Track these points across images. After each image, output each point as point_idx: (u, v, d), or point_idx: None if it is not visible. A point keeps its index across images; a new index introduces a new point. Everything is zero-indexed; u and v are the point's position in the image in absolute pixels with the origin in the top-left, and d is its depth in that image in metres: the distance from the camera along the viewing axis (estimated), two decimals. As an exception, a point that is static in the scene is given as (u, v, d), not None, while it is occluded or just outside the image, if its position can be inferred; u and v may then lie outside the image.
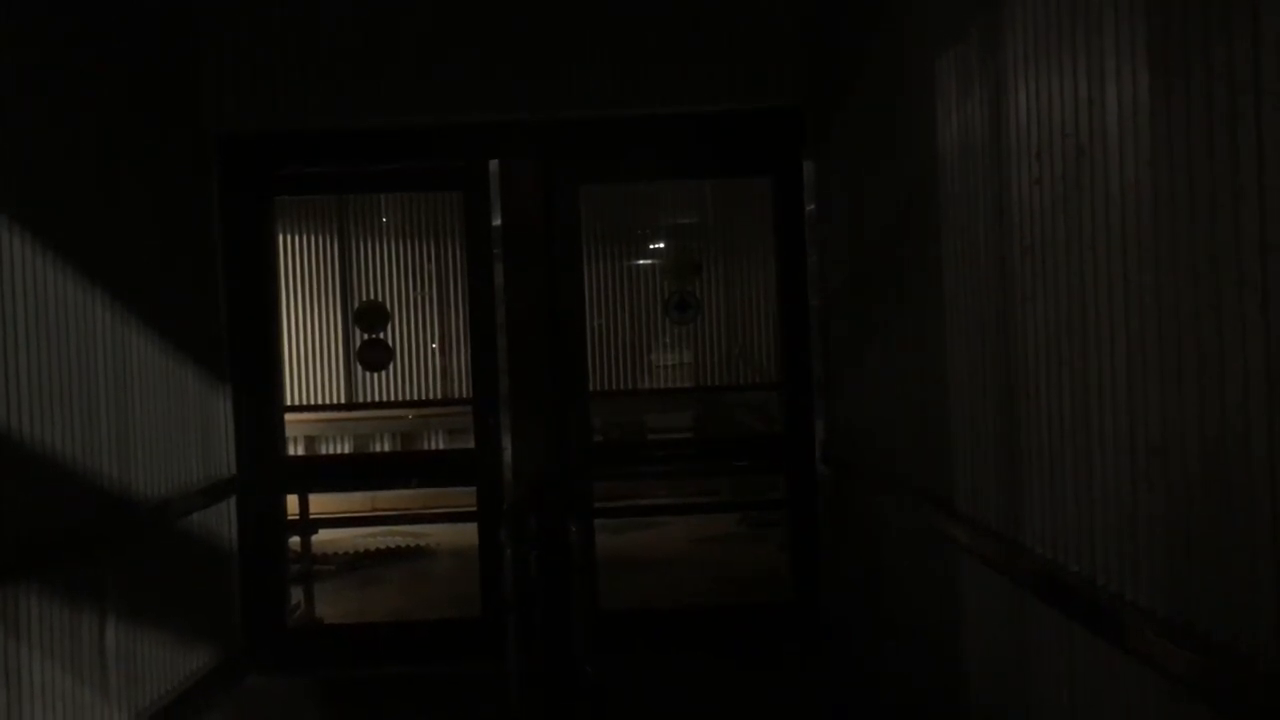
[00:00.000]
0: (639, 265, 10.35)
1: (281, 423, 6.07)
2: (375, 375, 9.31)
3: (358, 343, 6.49)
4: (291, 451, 7.73)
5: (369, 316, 6.74)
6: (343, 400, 10.40)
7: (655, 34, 5.73)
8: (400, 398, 10.40)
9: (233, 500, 5.65)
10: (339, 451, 10.03)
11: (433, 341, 10.58)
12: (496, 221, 5.73)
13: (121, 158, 4.71)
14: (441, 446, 9.98)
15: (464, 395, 7.83)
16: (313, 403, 10.18)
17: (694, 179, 8.76)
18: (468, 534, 6.17)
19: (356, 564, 8.34)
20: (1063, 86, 2.73)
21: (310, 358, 10.34)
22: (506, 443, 5.61)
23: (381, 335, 6.51)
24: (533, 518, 5.03)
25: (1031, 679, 3.11)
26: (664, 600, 6.90)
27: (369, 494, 8.89)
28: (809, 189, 5.77)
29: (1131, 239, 2.43)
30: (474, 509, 5.94)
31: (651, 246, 10.58)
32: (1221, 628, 2.15)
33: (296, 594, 6.41)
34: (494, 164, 5.76)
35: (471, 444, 5.98)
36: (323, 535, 7.65)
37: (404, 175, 6.34)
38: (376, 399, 10.33)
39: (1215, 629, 2.17)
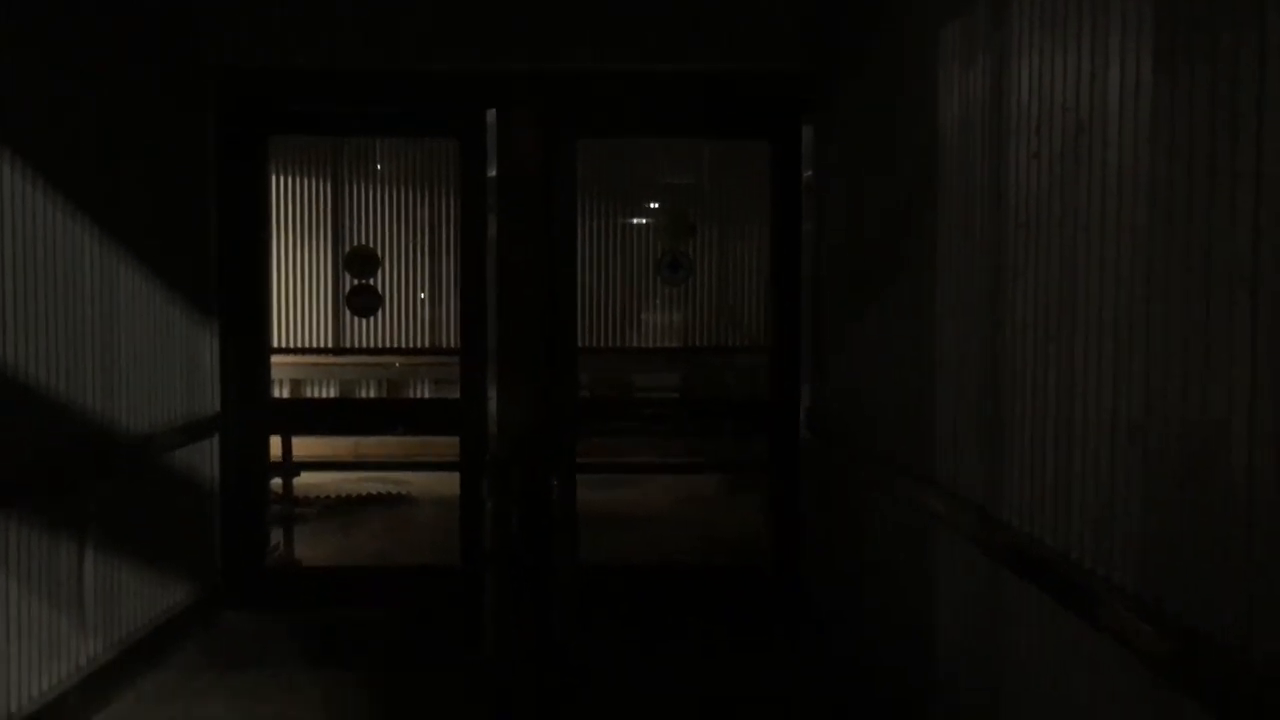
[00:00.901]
0: (633, 224, 10.33)
1: (267, 364, 6.06)
2: (364, 321, 9.31)
3: (347, 288, 6.47)
4: (277, 394, 7.73)
5: (359, 262, 6.72)
6: (330, 345, 10.40)
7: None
8: (388, 345, 10.40)
9: (215, 439, 5.65)
10: (324, 396, 10.03)
11: (421, 291, 10.56)
12: (492, 172, 5.69)
13: (115, 89, 4.66)
14: (427, 396, 9.99)
15: (452, 345, 7.82)
16: (300, 346, 10.17)
17: (692, 138, 8.72)
18: (450, 483, 6.18)
19: (337, 508, 8.37)
20: (1066, 62, 2.72)
21: (299, 301, 10.31)
22: (492, 394, 5.61)
23: (371, 281, 6.48)
24: (515, 471, 5.05)
25: (1001, 650, 3.15)
26: (644, 557, 6.94)
27: (353, 440, 8.91)
28: (807, 155, 5.75)
29: (1126, 218, 2.43)
30: (457, 459, 5.95)
31: (647, 205, 10.55)
32: (1192, 607, 2.17)
33: (276, 535, 6.43)
34: (491, 113, 5.71)
35: (457, 394, 5.98)
36: (305, 478, 7.66)
37: (400, 120, 6.29)
38: (364, 345, 10.34)
39: (1186, 608, 2.19)
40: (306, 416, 6.80)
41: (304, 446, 7.30)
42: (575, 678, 4.89)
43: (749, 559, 6.66)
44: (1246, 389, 1.98)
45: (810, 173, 5.71)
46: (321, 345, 10.34)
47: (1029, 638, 2.95)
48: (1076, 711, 2.67)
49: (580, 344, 6.46)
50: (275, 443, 6.50)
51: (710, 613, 5.80)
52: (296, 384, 9.89)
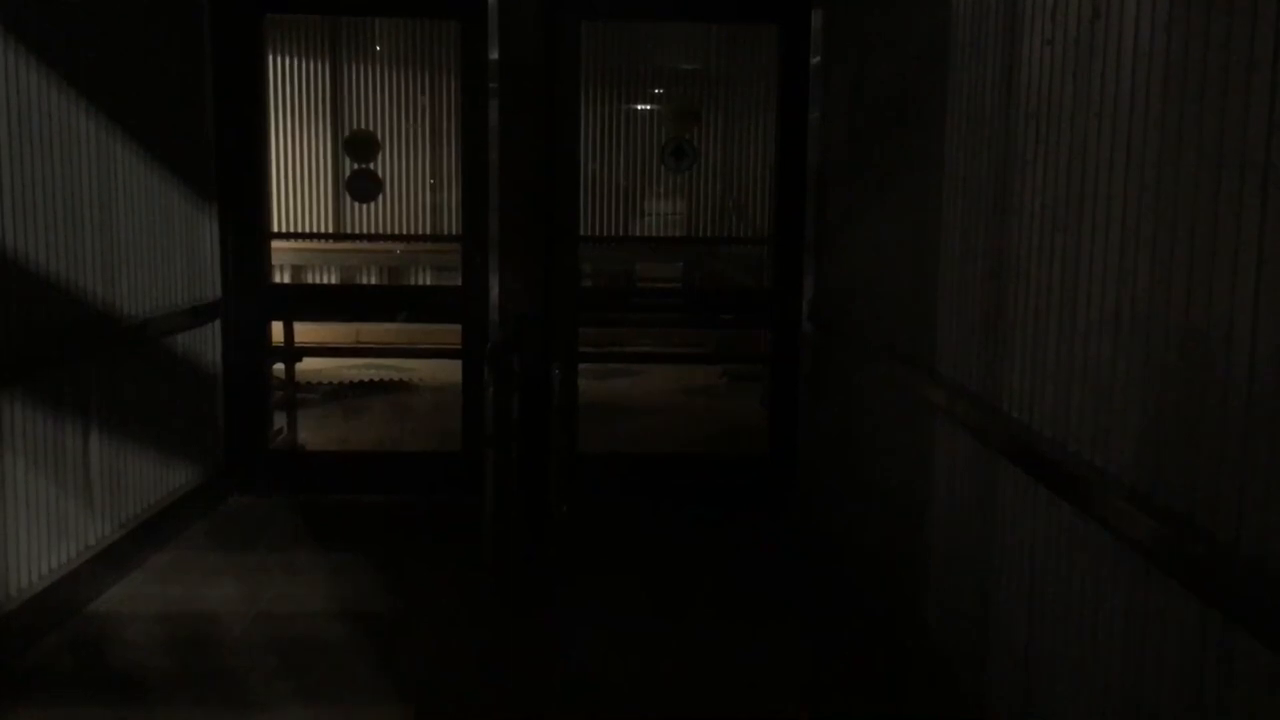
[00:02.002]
0: (637, 110, 10.17)
1: (268, 249, 6.03)
2: (364, 207, 9.23)
3: (347, 172, 6.40)
4: (277, 279, 7.71)
5: (359, 146, 6.63)
6: (330, 230, 10.34)
7: None
8: (389, 231, 10.35)
9: (217, 323, 5.65)
10: (325, 282, 10.00)
11: (431, 177, 10.46)
12: (493, 55, 5.58)
13: (107, -37, 4.54)
14: (428, 283, 9.97)
15: (453, 232, 7.77)
16: (300, 231, 10.11)
17: (699, 20, 8.51)
18: (451, 371, 6.21)
19: (340, 394, 8.42)
20: (1085, -57, 2.64)
21: (298, 186, 10.22)
22: (494, 282, 5.59)
23: (372, 166, 6.41)
24: (516, 358, 5.06)
25: (996, 539, 3.19)
26: (642, 447, 7.00)
27: (354, 326, 8.93)
28: (815, 40, 5.63)
29: (1139, 109, 2.39)
30: (458, 347, 5.96)
31: (651, 92, 10.37)
32: (1186, 501, 2.19)
33: (280, 420, 6.48)
34: (493, -7, 5.57)
35: (459, 282, 5.96)
36: (306, 364, 7.69)
37: None
38: (365, 231, 10.29)
39: (1180, 501, 2.21)
40: (308, 302, 6.78)
41: (305, 333, 7.31)
42: (571, 552, 4.99)
43: (747, 449, 6.71)
44: (1251, 285, 1.96)
45: (819, 59, 5.60)
46: (322, 230, 10.29)
47: (1025, 525, 2.99)
48: (1070, 595, 2.72)
49: (583, 232, 6.41)
50: (277, 329, 6.51)
51: (707, 501, 5.88)
52: (297, 270, 9.87)
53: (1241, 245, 1.99)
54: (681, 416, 8.00)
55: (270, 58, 7.41)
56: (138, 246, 4.80)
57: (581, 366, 6.04)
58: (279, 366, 6.82)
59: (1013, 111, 3.09)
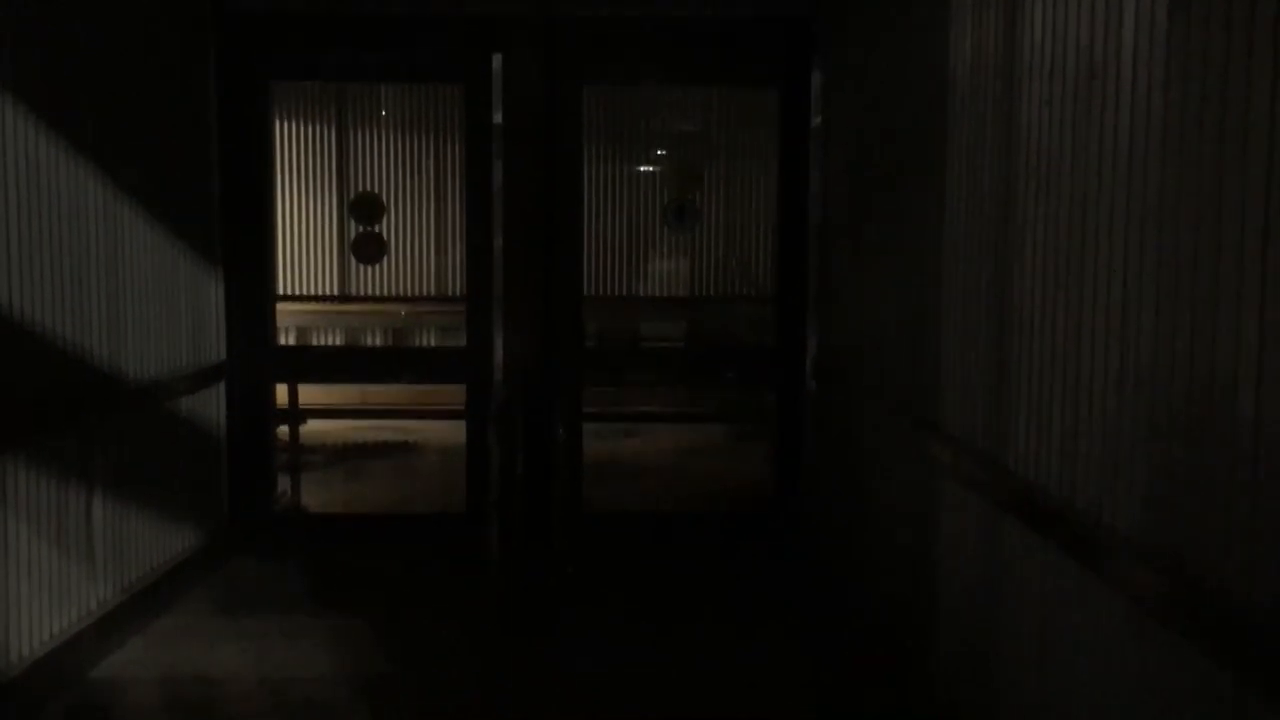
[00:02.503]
0: (640, 171, 10.26)
1: (273, 311, 6.06)
2: (369, 269, 9.29)
3: (352, 235, 6.45)
4: (282, 341, 7.74)
5: (364, 209, 6.69)
6: (336, 292, 10.39)
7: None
8: (394, 292, 10.39)
9: (221, 385, 5.66)
10: (330, 344, 10.03)
11: (429, 236, 10.52)
12: (497, 118, 5.64)
13: (120, 31, 4.61)
14: (433, 343, 9.99)
15: (457, 293, 7.80)
16: (305, 293, 10.16)
17: (700, 85, 8.63)
18: (456, 431, 6.20)
19: (344, 456, 8.40)
20: (1080, 3, 2.68)
21: (304, 248, 10.29)
22: (498, 342, 5.60)
23: (377, 228, 6.46)
24: (520, 418, 5.05)
25: (1003, 597, 3.16)
26: (646, 505, 6.97)
27: (359, 388, 8.93)
28: (816, 102, 5.69)
29: (1138, 167, 2.40)
30: (463, 407, 5.96)
31: (653, 153, 10.47)
32: (1196, 558, 2.17)
33: (283, 482, 6.46)
34: (497, 58, 5.65)
35: (463, 342, 5.98)
36: (311, 426, 7.68)
37: (406, 65, 6.22)
38: (370, 293, 10.34)
39: (1189, 559, 2.19)
40: (312, 364, 6.80)
41: (310, 395, 7.32)
42: (578, 612, 4.94)
43: (752, 507, 6.68)
44: (1255, 339, 1.96)
45: (819, 120, 5.66)
46: (327, 293, 10.34)
47: (1033, 582, 2.96)
48: (1080, 653, 2.69)
49: (587, 292, 6.44)
50: (281, 391, 6.51)
51: (713, 558, 5.83)
52: (302, 332, 9.90)
53: (1244, 298, 2.00)
54: (686, 475, 7.97)
55: (277, 122, 7.50)
56: (143, 309, 4.82)
57: (586, 426, 6.03)
58: (283, 428, 6.82)
59: (1012, 171, 3.11)
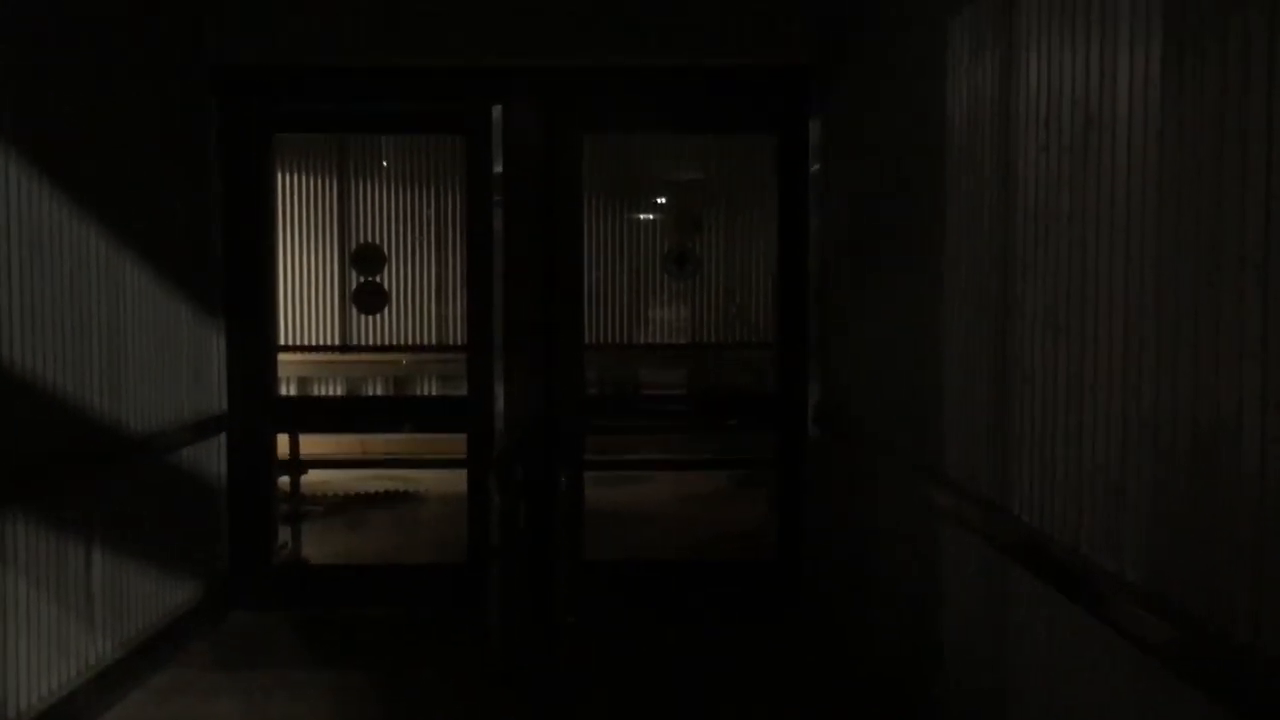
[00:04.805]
0: (639, 219, 10.31)
1: (274, 362, 6.06)
2: (370, 318, 9.30)
3: (354, 285, 6.47)
4: (284, 392, 7.73)
5: (366, 259, 6.71)
6: (337, 342, 10.40)
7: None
8: (395, 342, 10.40)
9: (222, 437, 5.65)
10: (331, 393, 10.02)
11: (431, 287, 10.54)
12: (498, 168, 5.68)
13: (121, 86, 4.65)
14: (434, 393, 9.99)
15: (458, 342, 7.80)
16: (307, 344, 10.17)
17: (699, 133, 8.68)
18: (457, 480, 6.18)
19: (345, 506, 8.37)
20: (1075, 53, 2.70)
21: (306, 299, 10.31)
22: (499, 391, 5.60)
23: (378, 279, 6.48)
24: (522, 467, 5.04)
25: (1008, 645, 3.13)
26: (648, 553, 6.93)
27: (360, 437, 8.91)
28: (814, 149, 5.73)
29: (1135, 213, 2.41)
30: (464, 456, 5.94)
31: (653, 201, 10.52)
32: (1201, 604, 2.15)
33: (284, 534, 6.43)
34: (497, 110, 5.70)
35: (464, 391, 5.97)
36: (312, 476, 7.66)
37: (406, 118, 6.28)
38: (371, 342, 10.34)
39: (1194, 604, 2.18)
40: (314, 414, 6.79)
41: (311, 445, 7.30)
42: (579, 664, 4.89)
43: (754, 555, 6.64)
44: (1258, 384, 1.96)
45: (818, 167, 5.69)
46: (328, 343, 10.35)
47: (1038, 629, 2.93)
48: (1087, 700, 2.66)
49: (587, 340, 6.44)
50: (283, 441, 6.50)
51: (715, 606, 5.79)
52: (304, 382, 9.90)
53: (1246, 342, 2.00)
54: (687, 523, 7.93)
55: (279, 174, 7.55)
56: (144, 361, 4.83)
57: (587, 474, 6.01)
58: (284, 479, 6.80)
59: (1010, 217, 3.13)
